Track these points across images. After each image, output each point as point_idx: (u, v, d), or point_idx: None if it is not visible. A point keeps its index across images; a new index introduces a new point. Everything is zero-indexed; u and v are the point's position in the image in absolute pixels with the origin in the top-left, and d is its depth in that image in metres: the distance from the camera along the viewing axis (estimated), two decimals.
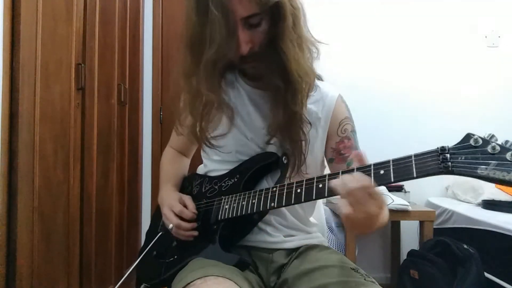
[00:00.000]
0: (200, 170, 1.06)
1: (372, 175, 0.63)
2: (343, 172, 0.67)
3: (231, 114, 0.88)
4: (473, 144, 0.56)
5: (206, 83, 0.82)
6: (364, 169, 0.64)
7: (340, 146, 0.93)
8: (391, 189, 2.18)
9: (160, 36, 2.48)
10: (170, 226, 0.89)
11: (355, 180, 0.62)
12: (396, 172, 0.60)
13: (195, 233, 0.89)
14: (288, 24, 0.77)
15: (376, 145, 2.43)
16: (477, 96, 2.54)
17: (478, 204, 2.16)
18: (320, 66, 0.89)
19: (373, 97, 2.50)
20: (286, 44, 0.78)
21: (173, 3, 2.49)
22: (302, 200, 0.71)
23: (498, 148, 0.53)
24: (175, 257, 0.90)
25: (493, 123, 2.48)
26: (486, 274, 1.78)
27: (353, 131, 0.95)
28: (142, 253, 0.97)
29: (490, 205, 2.05)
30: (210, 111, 0.86)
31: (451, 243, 1.84)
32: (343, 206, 0.62)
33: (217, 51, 0.76)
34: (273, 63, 0.80)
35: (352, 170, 0.66)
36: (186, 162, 1.14)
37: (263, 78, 0.86)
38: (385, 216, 0.70)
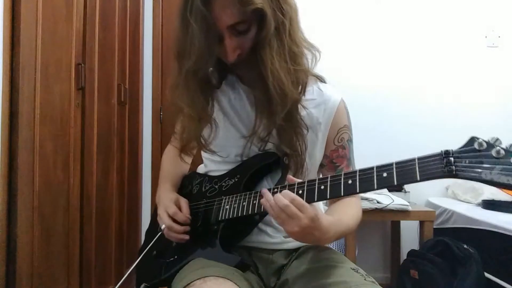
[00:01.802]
0: (200, 169, 1.06)
1: (375, 177, 0.63)
2: (345, 175, 0.68)
3: (215, 127, 0.88)
4: (477, 147, 0.55)
5: (186, 97, 0.83)
6: (367, 171, 0.64)
7: (334, 155, 0.94)
8: (391, 189, 2.18)
9: (160, 36, 2.48)
10: (163, 226, 0.90)
11: (282, 198, 0.68)
12: (399, 175, 0.60)
13: (186, 237, 0.89)
14: (268, 31, 0.75)
15: (376, 146, 2.44)
16: (477, 96, 2.54)
17: (478, 204, 2.16)
18: (321, 67, 0.88)
19: (372, 97, 2.50)
20: (265, 54, 0.76)
21: (173, 3, 2.49)
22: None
23: (502, 152, 0.52)
24: (175, 257, 0.90)
25: (493, 123, 2.48)
26: (486, 274, 1.77)
27: (350, 140, 0.94)
28: (142, 253, 0.97)
29: (490, 205, 2.05)
30: (193, 124, 0.87)
31: (451, 243, 1.84)
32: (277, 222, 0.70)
33: (195, 62, 0.77)
34: (256, 72, 0.79)
35: (355, 172, 0.66)
36: (187, 160, 1.14)
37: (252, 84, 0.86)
38: (324, 227, 0.70)
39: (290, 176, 0.76)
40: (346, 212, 0.85)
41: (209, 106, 0.88)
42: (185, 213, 0.90)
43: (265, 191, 0.74)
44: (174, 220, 0.89)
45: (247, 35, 0.77)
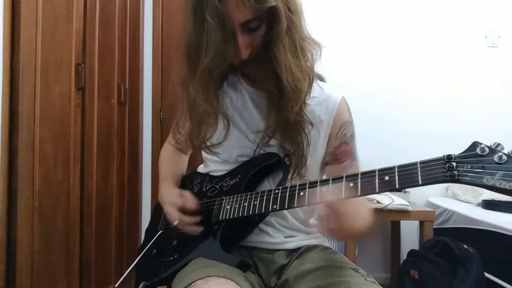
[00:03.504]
0: (201, 169, 1.06)
1: (377, 180, 0.63)
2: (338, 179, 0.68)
3: (227, 123, 0.88)
4: (479, 153, 0.55)
5: (202, 93, 0.82)
6: (369, 174, 0.64)
7: (338, 151, 0.93)
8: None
9: (160, 36, 2.48)
10: (175, 222, 0.89)
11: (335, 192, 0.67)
12: (401, 179, 0.60)
13: (200, 228, 0.89)
14: (281, 29, 0.76)
15: (375, 147, 2.43)
16: (476, 96, 2.54)
17: (478, 204, 2.16)
18: (321, 67, 0.89)
19: (372, 98, 2.50)
20: (278, 50, 0.77)
21: (173, 3, 2.49)
22: (305, 204, 0.71)
23: (504, 157, 0.53)
24: (175, 256, 0.90)
25: (493, 123, 2.48)
26: (486, 274, 1.77)
27: (353, 135, 0.94)
28: (142, 251, 0.97)
29: (490, 205, 2.05)
30: (207, 121, 0.86)
31: (451, 243, 1.84)
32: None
33: (213, 59, 0.76)
34: (267, 69, 0.80)
35: (356, 175, 0.66)
36: (185, 159, 1.14)
37: (262, 81, 0.86)
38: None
39: None
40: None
41: (220, 103, 0.88)
42: (194, 202, 0.90)
43: None
44: (184, 213, 0.89)
45: (258, 32, 0.77)
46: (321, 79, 0.96)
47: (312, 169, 0.92)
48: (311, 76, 0.83)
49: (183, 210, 0.90)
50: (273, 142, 0.87)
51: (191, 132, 0.90)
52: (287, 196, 0.74)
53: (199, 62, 0.78)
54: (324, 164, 0.96)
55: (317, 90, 0.92)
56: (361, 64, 2.52)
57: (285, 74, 0.77)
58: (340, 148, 0.93)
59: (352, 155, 0.94)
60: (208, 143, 0.90)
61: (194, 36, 0.77)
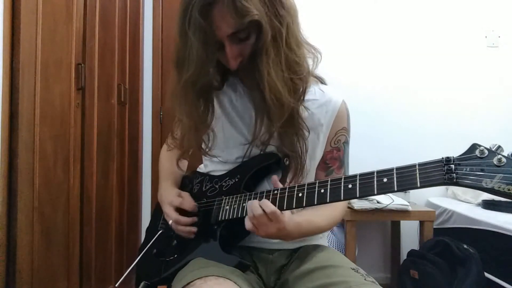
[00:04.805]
0: (201, 169, 1.06)
1: (375, 182, 0.63)
2: (334, 180, 0.69)
3: (213, 135, 0.89)
4: (478, 155, 0.55)
5: (184, 107, 0.84)
6: (367, 176, 0.64)
7: (328, 156, 0.94)
8: None
9: (160, 36, 2.48)
10: (170, 221, 0.90)
11: (260, 207, 0.73)
12: (399, 181, 0.60)
13: (194, 229, 0.89)
14: (265, 42, 0.75)
15: (375, 148, 2.43)
16: (476, 96, 2.53)
17: (478, 204, 2.16)
18: (320, 68, 0.88)
19: (371, 99, 2.49)
20: (262, 62, 0.76)
21: (173, 3, 2.49)
22: (304, 205, 0.71)
23: (504, 160, 0.52)
24: (175, 256, 0.90)
25: (493, 124, 2.48)
26: (486, 274, 1.77)
27: (346, 142, 0.95)
28: (142, 251, 0.97)
29: (490, 205, 2.04)
30: (193, 131, 0.87)
31: (451, 243, 1.84)
32: (247, 224, 0.76)
33: (194, 74, 0.77)
34: (254, 79, 0.79)
35: (355, 176, 0.66)
36: (184, 164, 1.14)
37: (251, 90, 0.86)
38: (288, 232, 0.76)
39: (274, 177, 0.77)
40: (317, 214, 0.86)
41: (208, 114, 0.88)
42: (191, 203, 0.91)
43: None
44: (181, 213, 0.90)
45: (248, 41, 0.77)
46: (322, 81, 0.96)
47: (311, 172, 0.93)
48: (302, 87, 0.82)
49: (180, 210, 0.90)
50: (272, 142, 0.87)
51: (181, 139, 0.92)
52: (286, 197, 0.75)
53: (182, 75, 0.80)
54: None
55: (318, 93, 0.92)
56: (360, 65, 2.52)
57: (268, 88, 0.77)
58: (331, 153, 0.94)
59: (340, 162, 0.94)
60: (206, 147, 0.91)
61: (180, 50, 0.79)
